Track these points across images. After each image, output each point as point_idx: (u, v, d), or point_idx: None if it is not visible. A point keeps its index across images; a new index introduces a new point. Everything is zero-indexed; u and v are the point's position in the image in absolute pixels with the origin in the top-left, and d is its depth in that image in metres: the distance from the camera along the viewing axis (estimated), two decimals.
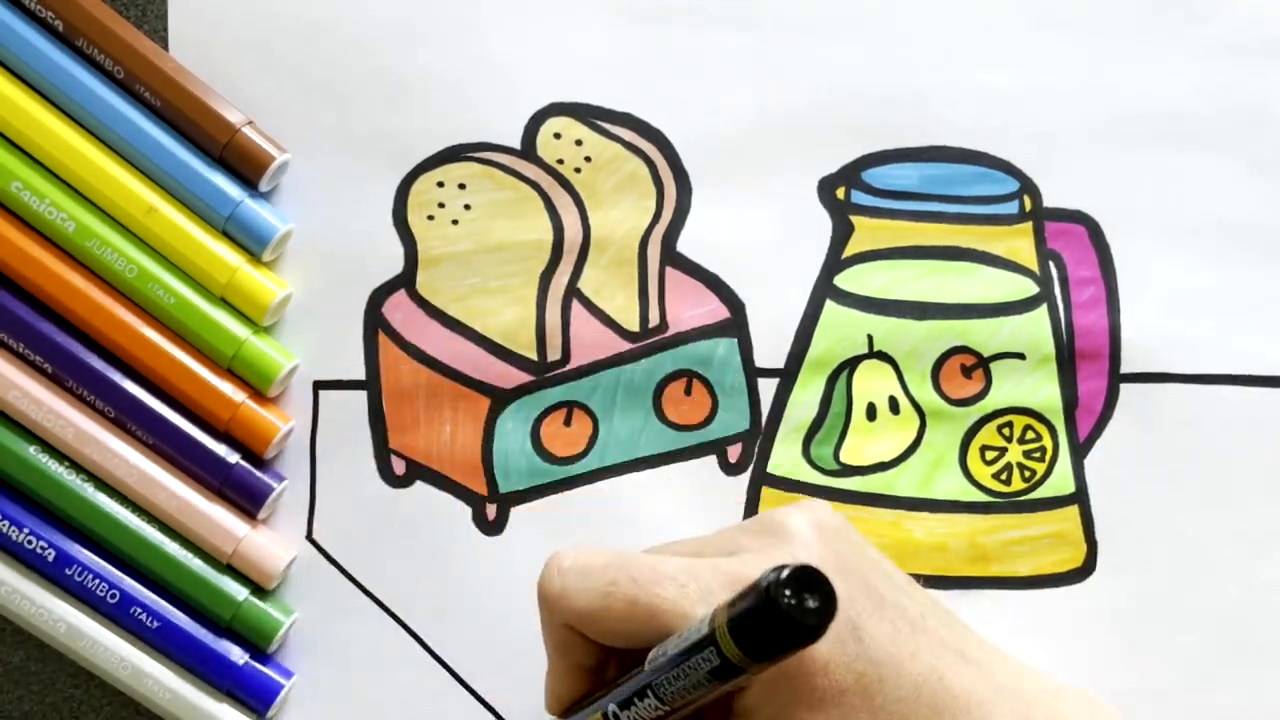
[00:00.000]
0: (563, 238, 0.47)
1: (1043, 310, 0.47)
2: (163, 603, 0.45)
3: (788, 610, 0.31)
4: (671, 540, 0.41)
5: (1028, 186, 0.47)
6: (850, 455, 0.47)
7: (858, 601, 0.37)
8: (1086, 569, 0.47)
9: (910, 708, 0.37)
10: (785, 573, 0.31)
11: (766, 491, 0.47)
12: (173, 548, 0.45)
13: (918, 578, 0.46)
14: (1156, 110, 0.47)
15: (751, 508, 0.47)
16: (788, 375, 0.47)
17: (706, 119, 0.47)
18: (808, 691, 0.36)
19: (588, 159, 0.47)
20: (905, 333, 0.47)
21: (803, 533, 0.38)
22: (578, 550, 0.39)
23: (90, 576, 0.45)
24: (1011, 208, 0.47)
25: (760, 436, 0.47)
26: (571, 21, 0.47)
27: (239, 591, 0.45)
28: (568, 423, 0.47)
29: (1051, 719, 0.40)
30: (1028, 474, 0.47)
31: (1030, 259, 0.47)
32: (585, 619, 0.38)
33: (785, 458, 0.47)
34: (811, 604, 0.32)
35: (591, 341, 0.47)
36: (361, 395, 0.47)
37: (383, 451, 0.47)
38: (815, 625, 0.32)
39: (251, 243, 0.46)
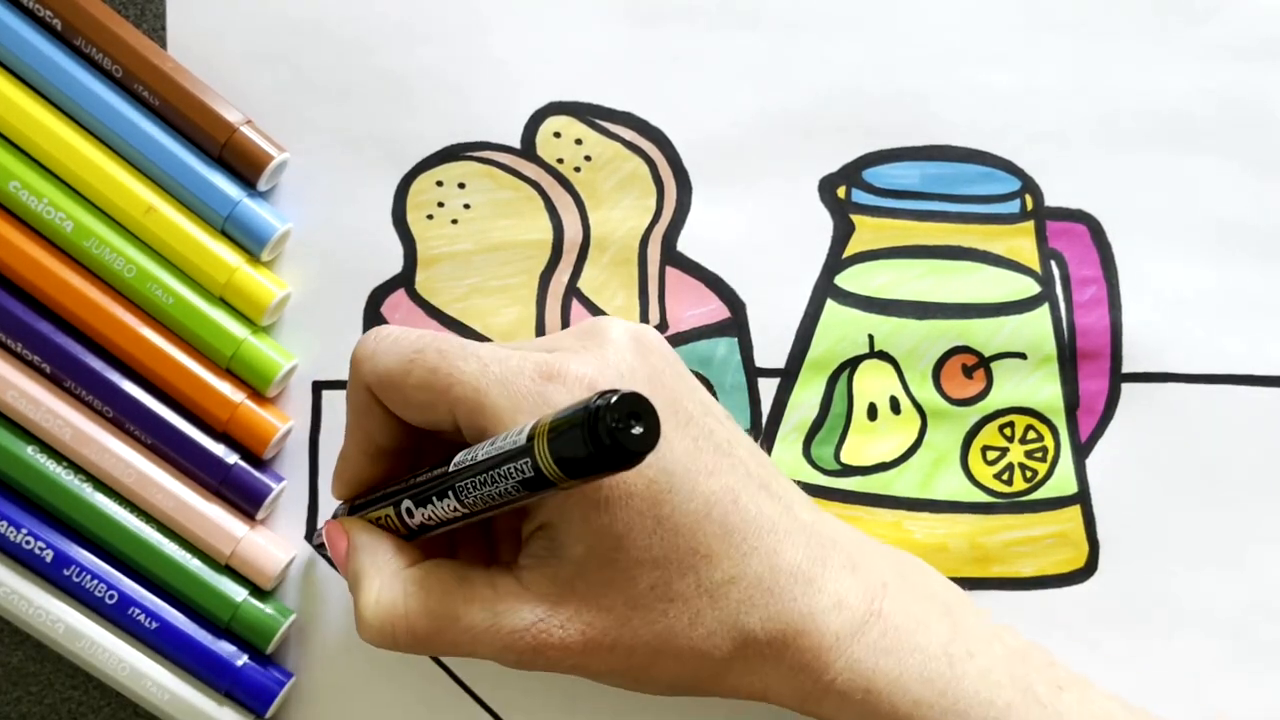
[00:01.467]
0: (563, 237, 0.47)
1: (1044, 310, 0.47)
2: (161, 603, 0.45)
3: (614, 434, 0.32)
4: None
5: (1029, 186, 0.47)
6: (851, 455, 0.47)
7: (661, 413, 0.36)
8: (1088, 569, 0.46)
9: (698, 522, 0.38)
10: (614, 398, 0.32)
11: None
12: (171, 548, 0.45)
13: None
14: (1157, 110, 0.47)
15: None
16: (788, 375, 0.47)
17: (706, 119, 0.47)
18: (594, 491, 0.37)
19: (588, 158, 0.47)
20: (906, 332, 0.47)
21: (620, 341, 0.39)
22: (397, 326, 0.40)
23: (89, 577, 0.44)
24: (1013, 207, 0.47)
25: (761, 436, 0.47)
26: (571, 21, 0.47)
27: (238, 592, 0.45)
28: None
29: (849, 559, 0.40)
30: (1029, 474, 0.47)
31: (1031, 258, 0.47)
32: (386, 382, 0.38)
33: (786, 458, 0.47)
34: (636, 430, 0.32)
35: None
36: None
37: None
38: (637, 452, 0.32)
39: (250, 242, 0.46)
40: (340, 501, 0.43)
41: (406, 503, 0.39)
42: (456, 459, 0.37)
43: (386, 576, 0.39)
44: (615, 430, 0.32)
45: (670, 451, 0.37)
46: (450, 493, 0.37)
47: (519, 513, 0.39)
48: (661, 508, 0.37)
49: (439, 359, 0.38)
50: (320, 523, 0.46)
